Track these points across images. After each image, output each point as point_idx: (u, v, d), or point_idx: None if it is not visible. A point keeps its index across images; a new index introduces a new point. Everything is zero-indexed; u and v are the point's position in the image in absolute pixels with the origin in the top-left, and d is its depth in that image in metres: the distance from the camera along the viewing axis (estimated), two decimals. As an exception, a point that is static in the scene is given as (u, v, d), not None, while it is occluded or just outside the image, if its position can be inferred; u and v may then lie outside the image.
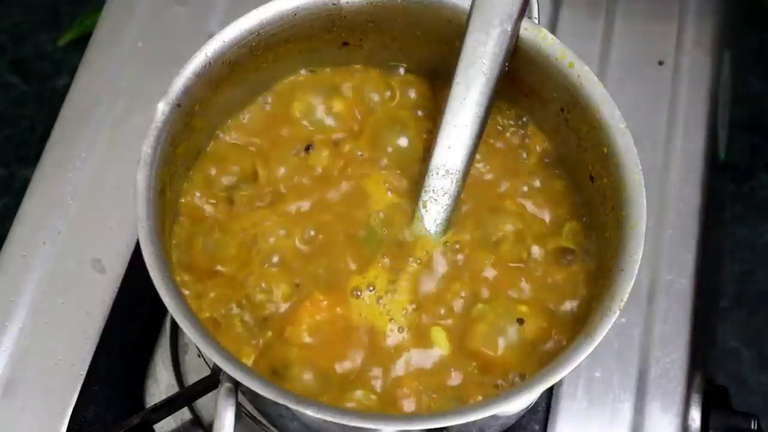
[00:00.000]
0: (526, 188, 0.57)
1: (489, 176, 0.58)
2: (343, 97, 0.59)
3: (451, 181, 0.54)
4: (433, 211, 0.55)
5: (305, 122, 0.58)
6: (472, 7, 0.54)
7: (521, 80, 0.56)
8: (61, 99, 0.74)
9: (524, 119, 0.59)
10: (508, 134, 0.59)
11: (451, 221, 0.55)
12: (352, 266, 0.54)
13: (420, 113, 0.59)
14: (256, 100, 0.59)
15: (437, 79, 0.59)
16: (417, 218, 0.55)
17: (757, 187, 1.05)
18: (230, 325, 0.53)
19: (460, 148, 0.54)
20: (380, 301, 0.54)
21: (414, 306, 0.54)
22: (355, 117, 0.59)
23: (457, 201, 0.55)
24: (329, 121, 0.58)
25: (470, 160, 0.55)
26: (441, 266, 0.55)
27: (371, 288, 0.54)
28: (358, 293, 0.54)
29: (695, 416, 0.63)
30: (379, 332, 0.53)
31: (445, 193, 0.55)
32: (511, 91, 0.57)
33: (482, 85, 0.54)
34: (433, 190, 0.55)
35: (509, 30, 0.53)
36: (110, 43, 0.76)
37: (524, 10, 0.54)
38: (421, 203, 0.55)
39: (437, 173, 0.54)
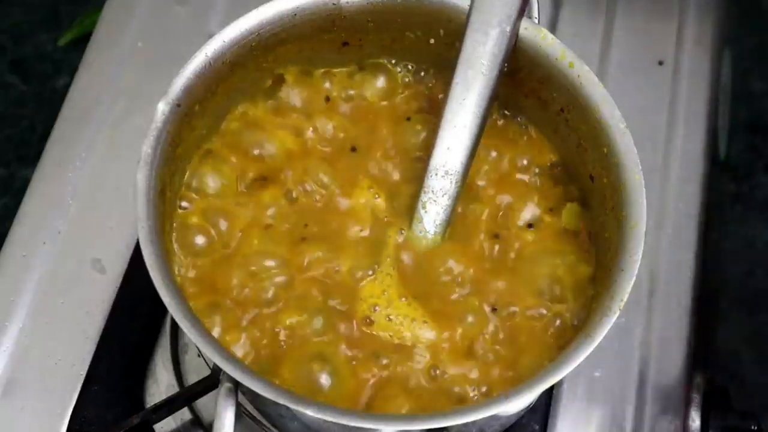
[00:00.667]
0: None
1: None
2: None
3: (451, 182, 0.54)
4: (433, 211, 0.55)
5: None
6: (471, 7, 0.54)
7: (521, 80, 0.56)
8: (61, 99, 0.73)
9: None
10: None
11: (450, 222, 0.55)
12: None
13: (419, 114, 0.59)
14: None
15: (437, 79, 0.59)
16: (416, 219, 0.55)
17: (757, 187, 1.04)
18: None
19: (459, 148, 0.54)
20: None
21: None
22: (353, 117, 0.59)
23: (456, 201, 0.55)
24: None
25: (470, 161, 0.55)
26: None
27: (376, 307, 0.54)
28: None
29: (695, 416, 0.63)
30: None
31: (445, 194, 0.54)
32: (510, 92, 0.57)
33: (481, 85, 0.54)
34: (433, 191, 0.55)
35: (508, 30, 0.53)
36: (110, 43, 0.76)
37: (523, 11, 0.54)
38: (420, 204, 0.55)
39: (436, 174, 0.54)
